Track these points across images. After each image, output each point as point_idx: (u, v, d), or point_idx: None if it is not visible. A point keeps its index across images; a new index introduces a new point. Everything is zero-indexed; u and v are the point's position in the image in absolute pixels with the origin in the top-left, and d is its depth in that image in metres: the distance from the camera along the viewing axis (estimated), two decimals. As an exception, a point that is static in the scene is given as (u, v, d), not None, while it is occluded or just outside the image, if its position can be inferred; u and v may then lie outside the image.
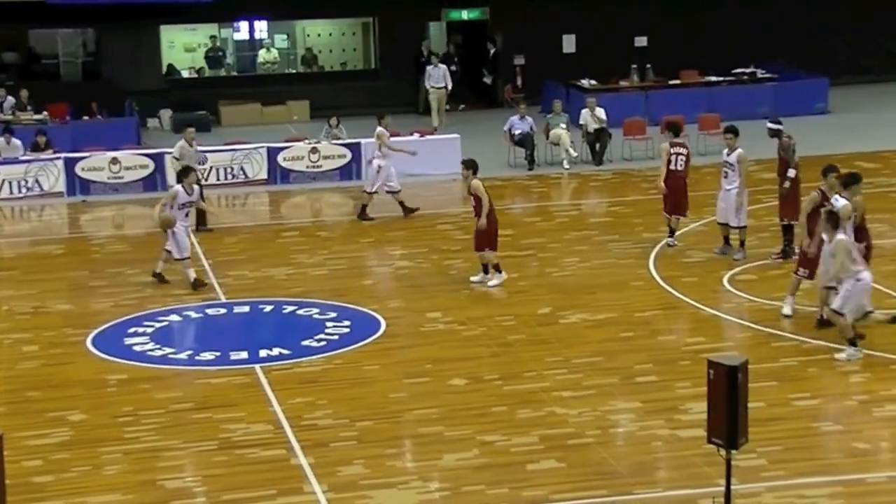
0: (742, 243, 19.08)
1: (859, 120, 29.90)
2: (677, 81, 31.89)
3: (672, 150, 19.53)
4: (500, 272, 18.48)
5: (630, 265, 19.23)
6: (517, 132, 27.03)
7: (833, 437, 12.94)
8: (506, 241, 20.92)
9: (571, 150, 26.73)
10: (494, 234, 18.35)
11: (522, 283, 18.61)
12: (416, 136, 26.92)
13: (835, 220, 14.84)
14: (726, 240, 19.26)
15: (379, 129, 23.27)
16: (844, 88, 32.31)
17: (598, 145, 26.96)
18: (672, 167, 19.58)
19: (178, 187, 18.80)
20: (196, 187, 19.18)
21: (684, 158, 19.67)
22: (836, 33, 34.24)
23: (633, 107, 29.61)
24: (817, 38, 33.97)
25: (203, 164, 23.99)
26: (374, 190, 22.92)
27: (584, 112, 27.16)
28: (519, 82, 33.99)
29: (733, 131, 19.08)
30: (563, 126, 27.07)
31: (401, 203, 22.97)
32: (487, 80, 34.64)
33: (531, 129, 27.05)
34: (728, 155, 18.91)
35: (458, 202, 25.27)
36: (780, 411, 13.57)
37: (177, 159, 22.32)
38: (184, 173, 19.11)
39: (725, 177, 18.98)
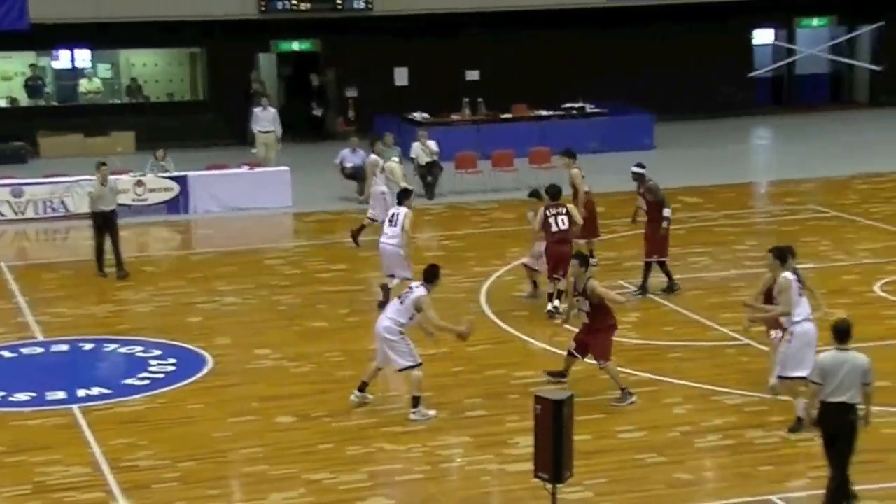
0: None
1: (683, 155, 30.53)
2: (509, 115, 32.15)
3: (550, 213, 18.29)
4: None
5: (462, 300, 19.20)
6: (349, 165, 26.88)
7: (657, 469, 13.02)
8: (339, 276, 20.83)
9: (404, 183, 26.59)
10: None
11: (353, 319, 18.43)
12: (244, 169, 26.59)
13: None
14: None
15: (373, 156, 23.14)
16: (669, 124, 32.95)
17: (429, 178, 26.96)
18: (554, 229, 18.28)
19: None
20: None
21: (565, 219, 18.25)
22: (663, 70, 34.95)
23: (465, 140, 29.74)
24: (644, 75, 34.63)
25: (19, 197, 23.20)
26: (374, 218, 22.41)
27: (416, 145, 27.17)
28: (351, 115, 33.89)
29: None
30: (396, 159, 26.94)
31: (359, 229, 22.77)
32: (317, 112, 34.46)
33: (363, 162, 26.90)
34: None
35: (289, 236, 25.05)
36: (606, 444, 13.64)
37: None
38: None
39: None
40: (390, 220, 18.65)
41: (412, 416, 14.46)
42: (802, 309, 13.71)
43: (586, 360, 16.18)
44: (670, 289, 18.97)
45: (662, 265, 19.02)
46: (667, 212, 18.89)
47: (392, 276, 18.55)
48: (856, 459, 12.86)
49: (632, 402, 14.73)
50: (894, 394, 14.78)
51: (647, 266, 18.95)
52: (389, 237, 18.47)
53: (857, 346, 16.05)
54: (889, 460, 13.09)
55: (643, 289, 18.90)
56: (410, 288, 14.83)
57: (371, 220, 22.66)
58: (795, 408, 13.63)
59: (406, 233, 18.35)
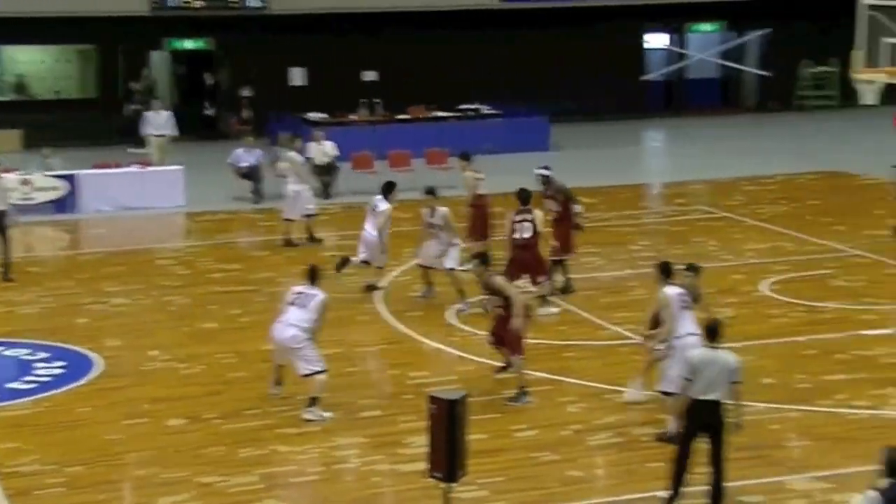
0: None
1: (579, 156, 30.78)
2: (405, 116, 32.17)
3: (515, 219, 18.03)
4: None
5: (357, 300, 19.16)
6: (243, 165, 26.70)
7: (550, 467, 13.11)
8: (231, 276, 20.66)
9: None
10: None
11: (245, 320, 18.29)
12: (136, 168, 26.28)
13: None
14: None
15: (291, 153, 22.93)
16: (564, 126, 33.20)
17: (326, 178, 26.87)
18: (517, 236, 17.96)
19: None
20: None
21: (529, 226, 17.97)
22: (557, 73, 35.21)
23: (362, 141, 29.68)
24: (539, 77, 34.87)
25: None
26: (293, 217, 22.52)
27: (312, 145, 27.05)
28: (245, 114, 33.65)
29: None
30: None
31: (309, 231, 22.71)
32: (210, 112, 34.15)
33: (258, 161, 26.76)
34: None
35: (181, 236, 24.80)
36: (501, 443, 13.69)
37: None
38: None
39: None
40: (372, 212, 19.20)
41: (306, 416, 14.37)
42: (684, 324, 13.61)
43: (481, 359, 16.28)
44: (566, 289, 19.10)
45: (560, 264, 19.15)
46: (577, 207, 19.05)
47: (366, 262, 19.11)
48: (743, 455, 13.11)
49: (526, 402, 14.81)
50: (780, 391, 15.06)
51: (559, 264, 19.01)
52: (371, 228, 18.95)
53: (745, 344, 16.44)
54: (774, 455, 13.31)
55: (566, 287, 18.90)
56: (304, 293, 14.67)
57: (308, 216, 22.73)
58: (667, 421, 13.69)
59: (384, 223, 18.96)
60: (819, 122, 35.40)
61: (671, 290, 13.79)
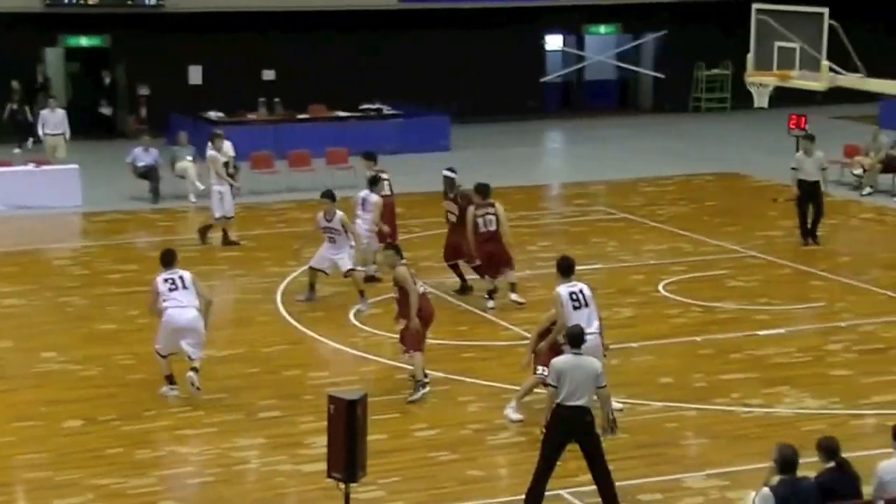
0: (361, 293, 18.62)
1: (479, 156, 30.90)
2: (305, 116, 32.06)
3: (478, 213, 18.31)
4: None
5: (257, 300, 19.08)
6: (141, 164, 26.42)
7: (450, 466, 13.17)
8: (129, 277, 20.43)
9: (198, 184, 26.37)
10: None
11: (143, 321, 18.04)
12: (31, 167, 25.88)
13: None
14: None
15: (211, 153, 22.73)
16: (464, 126, 33.33)
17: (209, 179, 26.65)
18: (482, 229, 18.33)
19: None
20: None
21: (493, 219, 18.36)
22: (458, 73, 35.33)
23: (262, 140, 29.52)
24: (440, 77, 34.95)
25: None
26: (221, 216, 22.35)
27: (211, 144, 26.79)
28: (143, 113, 33.30)
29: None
30: (190, 158, 26.68)
31: (224, 232, 22.52)
32: (106, 110, 33.70)
33: (156, 161, 26.51)
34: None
35: (77, 236, 24.51)
36: (401, 443, 13.73)
37: None
38: None
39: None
40: (362, 206, 19.38)
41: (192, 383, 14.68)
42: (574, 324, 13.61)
43: (381, 359, 16.32)
44: (463, 290, 19.19)
45: (455, 268, 19.24)
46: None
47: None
48: (640, 454, 13.29)
49: (424, 393, 14.85)
50: (677, 390, 15.28)
51: (477, 269, 18.96)
52: (363, 221, 19.11)
53: (644, 343, 16.67)
54: (670, 453, 13.50)
55: (491, 291, 18.76)
56: (173, 277, 14.81)
57: (225, 217, 22.55)
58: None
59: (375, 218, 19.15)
60: (713, 124, 35.93)
61: (563, 290, 13.89)
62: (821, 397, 14.99)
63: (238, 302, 19.11)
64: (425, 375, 15.07)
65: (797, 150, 25.45)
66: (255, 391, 15.37)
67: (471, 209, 18.40)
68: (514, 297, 18.49)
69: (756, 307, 18.55)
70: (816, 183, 21.92)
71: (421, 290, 15.18)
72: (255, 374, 16.03)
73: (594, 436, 11.90)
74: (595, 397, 11.91)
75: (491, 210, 18.36)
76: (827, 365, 16.21)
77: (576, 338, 12.15)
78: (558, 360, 12.03)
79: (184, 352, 14.74)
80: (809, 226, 22.01)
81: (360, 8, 33.99)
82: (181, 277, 14.81)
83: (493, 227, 18.32)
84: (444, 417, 14.46)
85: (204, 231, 22.61)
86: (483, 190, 18.55)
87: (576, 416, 11.75)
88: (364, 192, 19.68)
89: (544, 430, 12.04)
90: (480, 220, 18.30)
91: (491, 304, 18.44)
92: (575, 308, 13.72)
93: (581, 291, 13.86)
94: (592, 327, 13.65)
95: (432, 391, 15.06)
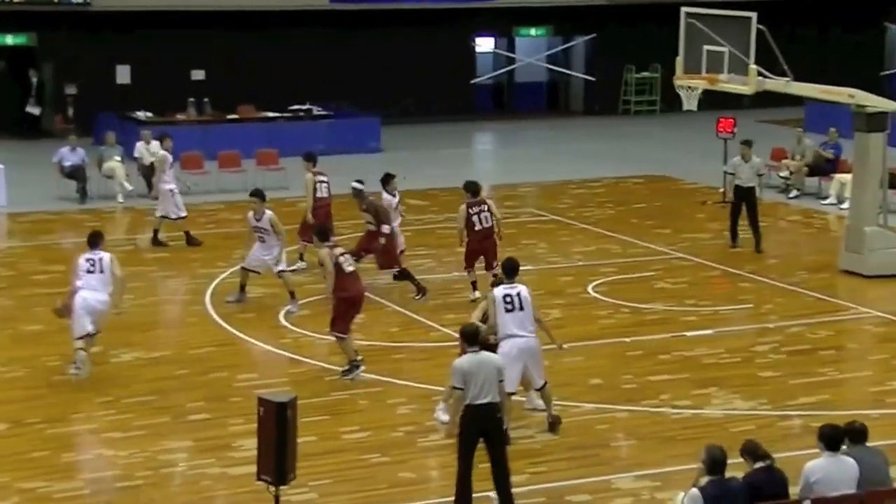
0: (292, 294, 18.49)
1: (409, 158, 30.90)
2: (235, 116, 31.86)
3: (472, 210, 18.58)
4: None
5: (186, 302, 18.95)
6: (67, 164, 26.13)
7: (381, 468, 13.16)
8: (55, 278, 20.19)
9: (126, 184, 26.16)
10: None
11: (71, 322, 17.90)
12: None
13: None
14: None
15: (162, 152, 22.58)
16: (395, 128, 33.31)
17: (153, 178, 26.43)
18: (479, 226, 18.59)
19: None
20: None
21: (488, 215, 18.66)
22: (389, 74, 35.30)
23: (191, 140, 29.28)
24: (371, 78, 34.90)
25: None
26: (183, 214, 22.32)
27: (140, 145, 26.64)
28: (70, 113, 32.93)
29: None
30: (118, 158, 26.46)
31: (156, 231, 22.39)
32: (33, 109, 33.27)
33: (83, 161, 26.25)
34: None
35: (2, 237, 24.23)
36: (330, 445, 13.70)
37: None
38: None
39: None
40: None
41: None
42: (505, 326, 13.71)
43: (311, 360, 16.28)
44: (421, 291, 19.09)
45: (402, 275, 19.23)
46: (385, 228, 18.89)
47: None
48: (570, 455, 13.35)
49: (358, 374, 15.09)
50: (606, 391, 15.37)
51: (403, 273, 19.06)
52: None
53: (573, 345, 16.73)
54: (601, 455, 13.58)
55: (420, 290, 18.97)
56: (94, 258, 15.54)
57: (162, 217, 22.35)
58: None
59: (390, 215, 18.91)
60: (643, 127, 36.17)
61: (499, 291, 13.94)
62: (749, 398, 15.14)
63: (167, 303, 18.97)
64: (357, 354, 15.29)
65: (725, 153, 25.74)
66: (184, 393, 15.28)
67: (463, 207, 18.75)
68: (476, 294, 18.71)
69: (684, 308, 18.71)
70: (751, 189, 21.93)
71: (349, 269, 15.42)
72: (184, 375, 15.94)
73: (502, 432, 12.04)
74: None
75: (485, 207, 18.75)
76: (755, 366, 16.38)
77: (471, 336, 12.28)
78: (461, 362, 12.08)
79: (86, 330, 15.31)
80: (753, 237, 21.85)
81: (290, 8, 33.84)
82: (101, 260, 15.54)
83: (488, 224, 18.69)
84: (374, 419, 14.44)
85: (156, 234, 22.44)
86: (472, 188, 19.01)
87: (486, 414, 11.87)
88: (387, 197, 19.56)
89: (458, 432, 12.08)
90: (476, 218, 18.63)
91: (475, 294, 18.60)
92: (507, 310, 13.74)
93: (518, 294, 13.85)
94: (526, 330, 13.69)
95: (362, 392, 15.04)
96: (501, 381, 12.04)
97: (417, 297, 18.91)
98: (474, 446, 11.94)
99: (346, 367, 15.48)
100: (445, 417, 14.15)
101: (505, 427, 12.34)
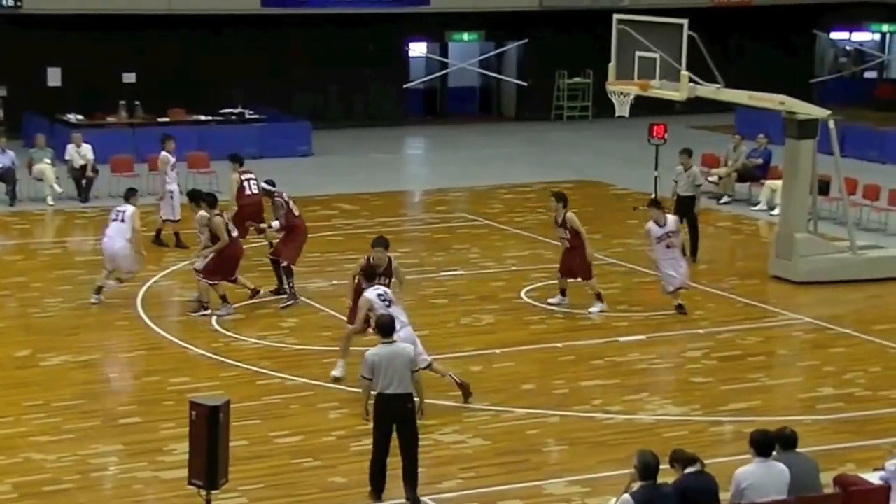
0: (224, 297, 18.40)
1: (340, 162, 30.87)
2: (166, 119, 31.63)
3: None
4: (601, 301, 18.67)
5: (116, 305, 18.77)
6: (-4, 166, 25.83)
7: (312, 473, 13.11)
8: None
9: (56, 186, 25.90)
10: None
11: (1, 325, 17.71)
12: None
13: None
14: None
15: (164, 153, 22.44)
16: (326, 132, 33.23)
17: (84, 181, 26.23)
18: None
19: None
20: None
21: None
22: (320, 78, 35.21)
23: (121, 143, 29.08)
24: (302, 82, 34.80)
25: None
26: (175, 218, 22.13)
27: (70, 147, 26.40)
28: (0, 115, 32.50)
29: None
30: (48, 161, 26.20)
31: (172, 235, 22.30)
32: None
33: (13, 163, 25.96)
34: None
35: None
36: (262, 449, 13.64)
37: None
38: None
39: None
40: (115, 218, 18.77)
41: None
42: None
43: (243, 364, 16.19)
44: (276, 291, 19.11)
45: (286, 270, 19.14)
46: (275, 223, 19.08)
47: (110, 273, 18.71)
48: (501, 461, 13.38)
49: (205, 314, 16.28)
50: (538, 396, 15.41)
51: (287, 269, 19.05)
52: (114, 234, 18.55)
53: (505, 350, 16.80)
54: (532, 460, 13.60)
55: (291, 292, 18.95)
56: (120, 209, 18.45)
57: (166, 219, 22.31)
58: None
59: (136, 230, 18.61)
60: (575, 132, 36.33)
61: (370, 293, 14.55)
62: (681, 404, 15.25)
63: (97, 306, 18.76)
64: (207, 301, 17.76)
65: (657, 159, 25.91)
66: (114, 397, 15.20)
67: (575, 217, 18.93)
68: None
69: (616, 314, 18.81)
70: (690, 199, 21.84)
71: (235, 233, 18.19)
72: (115, 379, 15.79)
73: (412, 423, 12.26)
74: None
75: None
76: (687, 372, 16.51)
77: (385, 327, 12.55)
78: (371, 353, 12.36)
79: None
80: (689, 246, 21.69)
81: (222, 12, 33.65)
82: (122, 211, 18.55)
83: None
84: (306, 424, 14.40)
85: (158, 234, 22.28)
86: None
87: (396, 403, 12.13)
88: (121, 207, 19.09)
89: (371, 420, 12.44)
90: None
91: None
92: (387, 307, 14.27)
93: (386, 292, 14.70)
94: (402, 320, 14.24)
95: (294, 397, 14.98)
96: (415, 371, 12.34)
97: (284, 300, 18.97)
98: (388, 434, 12.19)
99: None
100: (338, 373, 15.23)
101: (421, 408, 12.54)
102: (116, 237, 18.54)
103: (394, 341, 12.49)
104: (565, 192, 20.09)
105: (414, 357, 12.47)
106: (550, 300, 18.72)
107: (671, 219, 18.61)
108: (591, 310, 18.60)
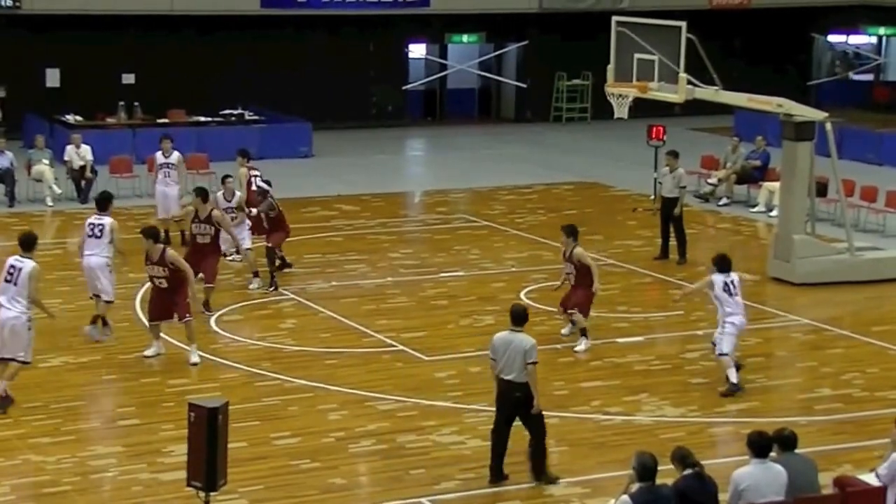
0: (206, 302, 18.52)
1: (341, 164, 30.88)
2: (165, 120, 31.63)
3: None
4: (586, 337, 17.38)
5: (115, 306, 18.73)
6: (-4, 167, 25.84)
7: (312, 474, 13.13)
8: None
9: (55, 187, 25.90)
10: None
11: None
12: None
13: None
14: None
15: (178, 154, 22.96)
16: (327, 133, 33.24)
17: (83, 182, 26.25)
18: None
19: None
20: None
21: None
22: (321, 79, 35.23)
23: (120, 144, 29.10)
24: (303, 83, 34.81)
25: None
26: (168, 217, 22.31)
27: (69, 148, 26.41)
28: (-2, 116, 32.54)
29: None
30: (47, 162, 26.20)
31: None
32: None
33: (11, 164, 25.96)
34: None
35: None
36: (261, 450, 13.65)
37: None
38: None
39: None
40: (90, 234, 17.42)
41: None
42: None
43: (242, 366, 16.20)
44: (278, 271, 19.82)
45: (268, 251, 19.71)
46: (254, 210, 19.97)
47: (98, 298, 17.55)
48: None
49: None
50: (538, 397, 15.37)
51: (270, 252, 19.67)
52: (90, 251, 17.41)
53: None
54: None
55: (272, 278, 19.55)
56: (95, 224, 17.06)
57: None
58: None
59: (118, 249, 17.56)
60: (574, 134, 36.34)
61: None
62: (680, 405, 15.27)
63: (95, 307, 18.74)
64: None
65: (656, 160, 25.94)
66: (114, 398, 15.20)
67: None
68: None
69: (615, 315, 18.82)
70: (673, 200, 21.78)
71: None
72: (114, 381, 15.83)
73: (529, 407, 12.68)
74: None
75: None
76: (686, 373, 16.52)
77: (516, 316, 13.08)
78: (496, 337, 12.96)
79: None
80: (677, 247, 21.84)
81: (221, 12, 33.67)
82: (100, 226, 17.16)
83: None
84: (305, 425, 14.41)
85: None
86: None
87: (508, 389, 12.65)
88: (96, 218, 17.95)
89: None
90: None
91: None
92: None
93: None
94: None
95: (293, 398, 14.99)
96: (530, 362, 12.70)
97: (270, 289, 19.44)
98: (502, 419, 12.84)
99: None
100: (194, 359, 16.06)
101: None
102: (92, 255, 17.13)
103: (519, 330, 12.89)
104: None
105: (529, 349, 12.74)
106: (563, 332, 18.14)
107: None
108: (576, 348, 17.23)
